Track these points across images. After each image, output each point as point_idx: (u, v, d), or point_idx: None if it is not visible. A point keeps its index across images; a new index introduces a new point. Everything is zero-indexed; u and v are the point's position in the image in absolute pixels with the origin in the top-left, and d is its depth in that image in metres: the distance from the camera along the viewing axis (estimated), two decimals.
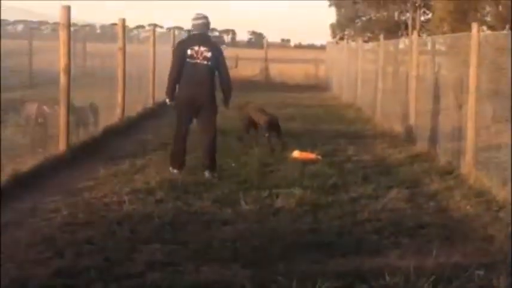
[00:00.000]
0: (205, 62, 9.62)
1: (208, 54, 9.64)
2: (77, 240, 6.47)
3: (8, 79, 9.89)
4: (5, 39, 10.01)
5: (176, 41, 13.81)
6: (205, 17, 9.87)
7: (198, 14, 9.89)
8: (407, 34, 40.09)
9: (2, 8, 9.13)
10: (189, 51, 9.64)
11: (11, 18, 12.35)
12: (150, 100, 18.69)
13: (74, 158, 10.53)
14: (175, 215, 7.45)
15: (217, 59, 9.71)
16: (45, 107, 10.85)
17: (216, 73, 9.77)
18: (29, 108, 10.70)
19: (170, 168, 9.76)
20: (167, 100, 9.95)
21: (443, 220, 7.67)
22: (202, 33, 9.85)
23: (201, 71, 9.62)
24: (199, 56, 9.62)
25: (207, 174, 9.62)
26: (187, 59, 9.63)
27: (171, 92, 9.82)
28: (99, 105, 13.18)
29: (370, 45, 25.34)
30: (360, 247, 6.49)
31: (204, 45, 9.68)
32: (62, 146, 10.60)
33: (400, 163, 11.31)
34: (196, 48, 9.65)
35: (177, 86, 9.80)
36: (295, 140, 13.18)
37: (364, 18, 50.12)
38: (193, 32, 9.93)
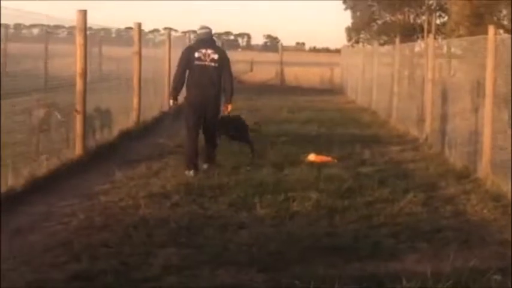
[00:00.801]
0: (212, 64, 10.19)
1: (215, 56, 10.22)
2: (93, 244, 6.48)
3: (23, 82, 9.92)
4: (20, 43, 10.05)
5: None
6: (209, 28, 10.47)
7: (202, 25, 10.51)
8: (423, 37, 39.93)
9: (19, 13, 9.20)
10: (196, 54, 10.18)
11: (27, 22, 12.38)
12: (166, 104, 18.66)
13: (91, 161, 10.58)
14: (191, 219, 7.45)
15: (223, 61, 10.26)
16: (57, 113, 10.81)
17: None
18: (41, 112, 10.69)
19: (186, 172, 9.82)
20: (171, 101, 10.52)
21: (460, 224, 7.63)
22: (208, 39, 10.38)
23: (210, 73, 10.16)
24: (207, 58, 10.18)
25: (205, 166, 10.19)
26: (196, 62, 10.16)
27: (176, 92, 10.43)
28: (114, 109, 13.18)
29: (386, 48, 25.26)
30: (376, 251, 6.47)
31: (210, 48, 10.24)
32: (78, 150, 10.63)
33: (416, 167, 11.27)
34: (203, 51, 10.20)
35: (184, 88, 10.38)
36: (310, 143, 13.19)
37: (379, 22, 49.94)
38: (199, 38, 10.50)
